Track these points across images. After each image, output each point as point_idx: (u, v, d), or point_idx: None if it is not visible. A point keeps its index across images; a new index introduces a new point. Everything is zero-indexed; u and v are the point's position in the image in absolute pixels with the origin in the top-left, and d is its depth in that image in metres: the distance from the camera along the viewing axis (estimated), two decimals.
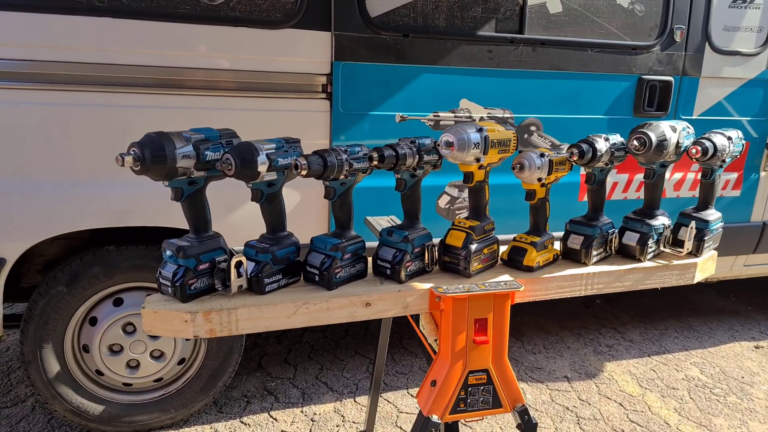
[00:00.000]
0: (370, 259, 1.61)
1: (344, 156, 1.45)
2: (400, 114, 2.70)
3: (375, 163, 1.44)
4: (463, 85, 2.78)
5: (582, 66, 2.94)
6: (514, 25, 2.80)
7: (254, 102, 2.48)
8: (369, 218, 2.46)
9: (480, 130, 1.51)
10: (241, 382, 3.19)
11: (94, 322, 2.54)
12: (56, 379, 2.52)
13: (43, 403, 2.67)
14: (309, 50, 2.51)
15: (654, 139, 1.60)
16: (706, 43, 3.14)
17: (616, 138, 1.69)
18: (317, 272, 1.50)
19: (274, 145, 1.41)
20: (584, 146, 1.61)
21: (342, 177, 1.47)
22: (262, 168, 1.37)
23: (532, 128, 2.95)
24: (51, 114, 2.25)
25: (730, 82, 3.26)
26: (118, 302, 2.55)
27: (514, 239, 1.70)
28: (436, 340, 1.60)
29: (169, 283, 1.39)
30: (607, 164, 1.68)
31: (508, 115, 2.89)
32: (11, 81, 2.18)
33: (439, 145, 1.47)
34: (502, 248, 1.72)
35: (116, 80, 2.29)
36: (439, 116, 2.77)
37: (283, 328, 1.44)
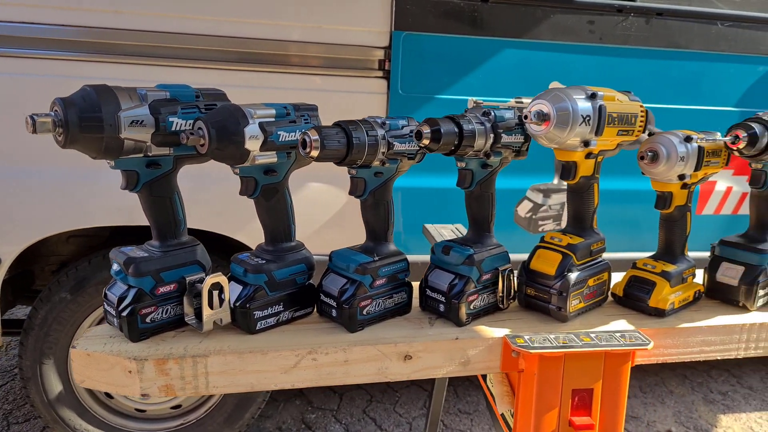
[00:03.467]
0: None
1: (379, 132, 0.96)
2: (474, 99, 2.18)
3: (426, 142, 0.94)
4: (555, 65, 2.23)
5: (709, 44, 2.33)
6: None
7: (293, 80, 2.03)
8: (428, 226, 1.97)
9: (592, 96, 0.98)
10: (277, 410, 2.75)
11: None
12: (58, 401, 2.17)
13: (45, 427, 2.33)
14: (362, 16, 2.04)
15: None
16: None
17: None
18: (335, 304, 1.01)
19: (274, 112, 0.94)
20: (756, 127, 1.03)
21: (377, 163, 0.98)
22: (253, 144, 0.90)
23: None
24: (53, 86, 1.88)
25: None
26: None
27: (635, 266, 1.14)
28: (511, 413, 1.07)
29: (113, 312, 0.94)
30: None
31: None
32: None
33: (526, 118, 0.95)
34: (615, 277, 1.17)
35: (129, 49, 1.90)
36: (522, 102, 2.22)
37: (279, 388, 0.96)
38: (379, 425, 2.68)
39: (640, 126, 1.07)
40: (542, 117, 0.95)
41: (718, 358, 1.07)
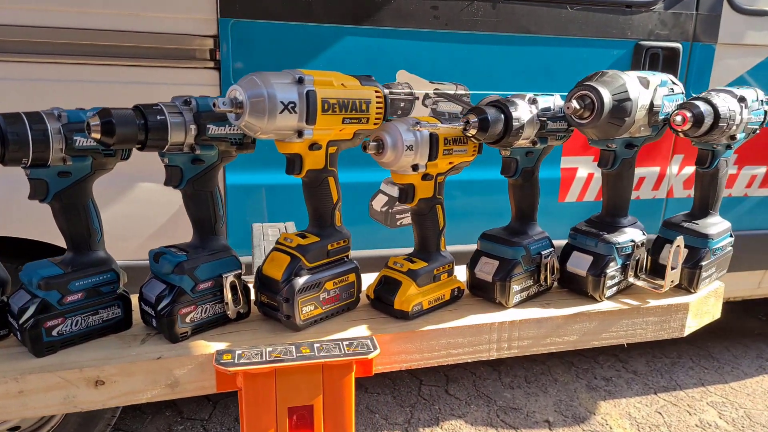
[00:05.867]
0: None
1: (52, 125, 0.83)
2: None
3: (96, 136, 0.81)
4: (401, 53, 2.14)
5: (560, 28, 2.29)
6: None
7: (113, 72, 1.87)
8: (255, 226, 1.85)
9: (299, 81, 0.88)
10: (143, 423, 2.59)
11: None
12: None
13: None
14: (184, 3, 1.89)
15: (607, 97, 0.94)
16: (725, 0, 2.45)
17: (553, 99, 1.03)
18: (17, 326, 0.87)
19: None
20: (491, 112, 0.95)
21: (57, 162, 0.85)
22: None
23: None
24: None
25: (757, 51, 2.56)
26: None
27: (386, 265, 1.05)
28: None
29: None
30: (534, 143, 1.02)
31: (462, 92, 2.24)
32: None
33: (215, 105, 0.83)
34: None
35: None
36: None
37: None
38: None
39: (377, 113, 0.98)
40: (236, 104, 0.84)
41: (469, 360, 1.00)
